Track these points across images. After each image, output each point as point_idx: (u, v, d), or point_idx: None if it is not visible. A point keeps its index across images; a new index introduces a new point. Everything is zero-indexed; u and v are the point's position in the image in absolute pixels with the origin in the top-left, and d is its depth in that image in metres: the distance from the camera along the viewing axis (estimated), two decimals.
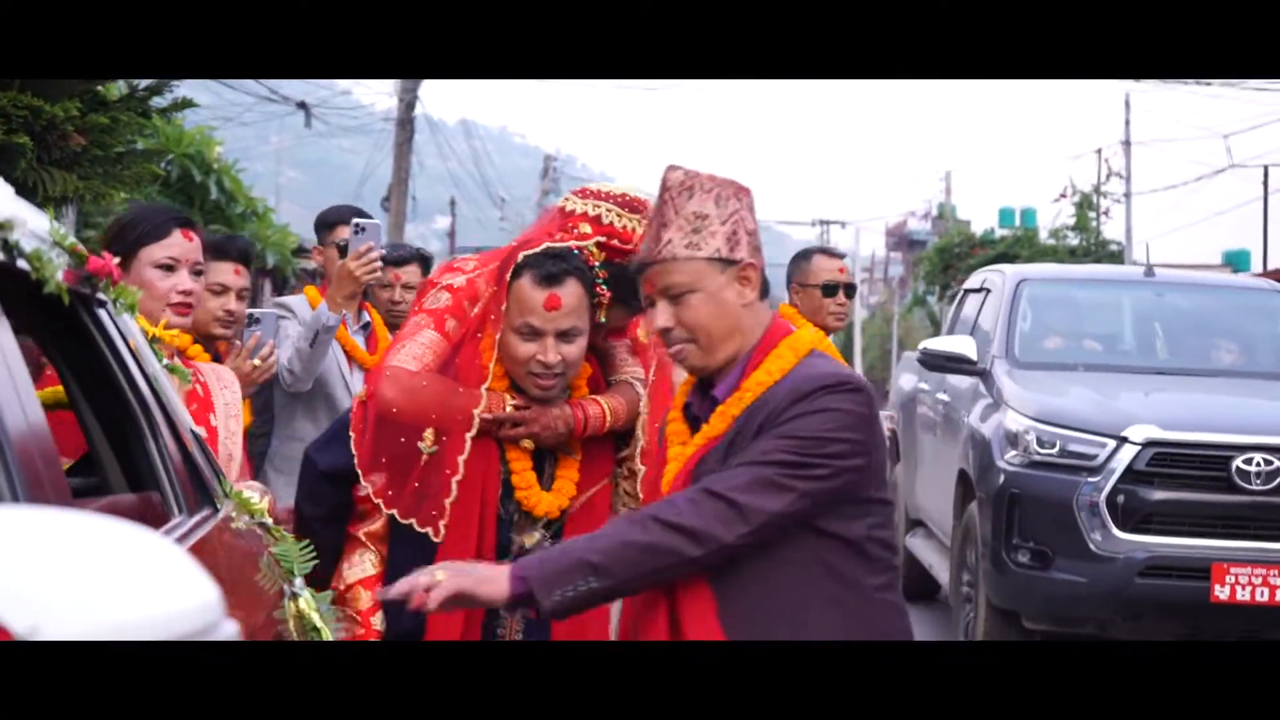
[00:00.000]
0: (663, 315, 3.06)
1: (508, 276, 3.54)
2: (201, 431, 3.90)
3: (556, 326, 3.51)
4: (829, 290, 6.23)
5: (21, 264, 2.22)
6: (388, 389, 3.55)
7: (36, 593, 1.40)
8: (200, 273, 4.04)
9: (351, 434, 3.61)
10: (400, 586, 2.88)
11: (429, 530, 3.52)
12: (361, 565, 3.67)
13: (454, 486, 3.52)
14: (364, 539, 3.66)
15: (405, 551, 3.54)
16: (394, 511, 3.56)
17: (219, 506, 3.04)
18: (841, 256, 6.52)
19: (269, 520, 3.27)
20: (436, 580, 2.87)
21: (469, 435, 3.52)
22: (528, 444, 3.60)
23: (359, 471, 3.58)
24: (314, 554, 3.14)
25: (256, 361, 4.69)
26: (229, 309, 4.83)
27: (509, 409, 3.57)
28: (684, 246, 3.02)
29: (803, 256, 6.43)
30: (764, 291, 3.12)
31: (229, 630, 1.67)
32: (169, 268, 3.95)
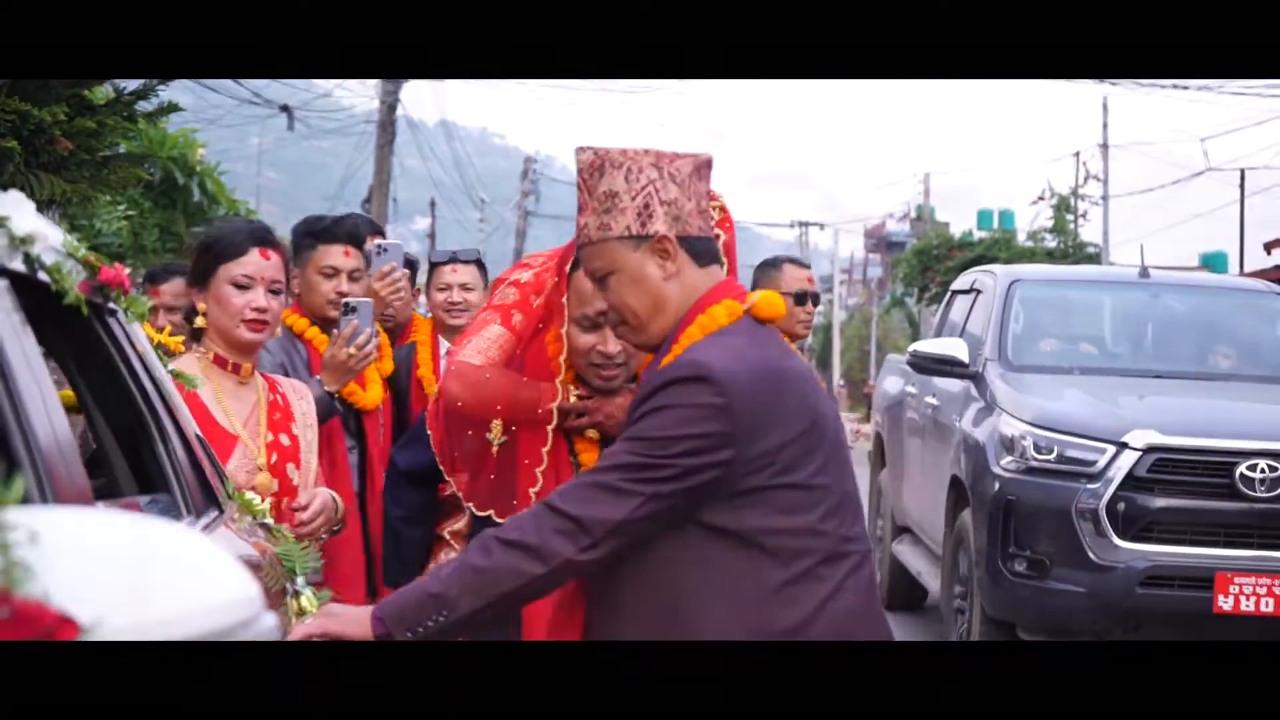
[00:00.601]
0: (598, 299, 3.05)
1: (567, 269, 3.54)
2: (285, 440, 4.05)
3: None
4: (799, 299, 6.26)
5: (41, 276, 2.29)
6: (452, 383, 3.58)
7: (95, 588, 1.44)
8: (278, 291, 4.09)
9: (429, 431, 3.63)
10: (296, 633, 2.83)
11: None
12: None
13: (539, 475, 3.52)
14: (449, 538, 3.69)
15: None
16: (472, 504, 3.58)
17: (224, 508, 3.13)
18: (807, 266, 6.59)
19: (270, 521, 3.41)
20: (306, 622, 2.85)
21: (550, 428, 3.53)
22: (593, 434, 3.60)
23: (442, 468, 3.60)
24: (316, 555, 3.28)
25: (352, 350, 4.63)
26: (341, 290, 4.86)
27: (572, 399, 3.58)
28: (597, 229, 2.96)
29: (772, 265, 6.47)
30: (709, 258, 3.00)
31: (269, 623, 1.74)
32: (245, 285, 4.02)
